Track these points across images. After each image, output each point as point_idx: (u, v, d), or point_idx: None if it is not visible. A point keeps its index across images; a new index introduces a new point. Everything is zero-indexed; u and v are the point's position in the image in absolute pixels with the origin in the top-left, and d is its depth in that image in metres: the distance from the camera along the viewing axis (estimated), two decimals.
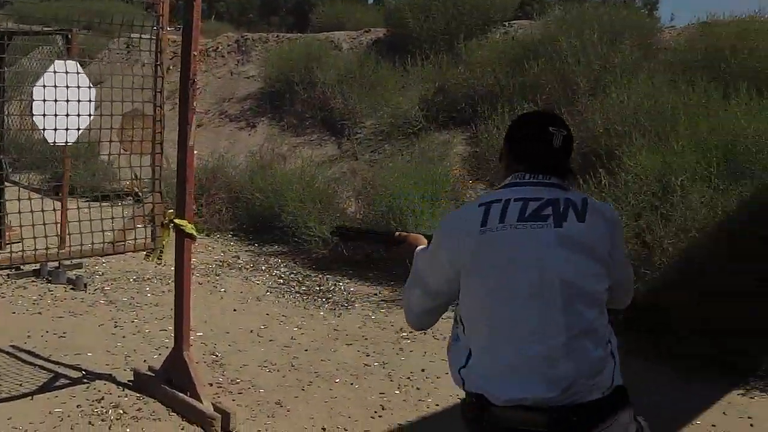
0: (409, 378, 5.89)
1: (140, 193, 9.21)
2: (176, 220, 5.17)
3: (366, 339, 6.70)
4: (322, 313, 7.37)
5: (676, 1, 62.36)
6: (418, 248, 3.06)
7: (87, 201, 6.64)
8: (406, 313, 3.02)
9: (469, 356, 2.65)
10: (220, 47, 16.26)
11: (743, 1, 10.60)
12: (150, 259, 5.47)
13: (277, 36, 16.14)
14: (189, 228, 5.15)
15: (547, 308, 2.57)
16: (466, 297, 2.70)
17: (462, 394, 2.68)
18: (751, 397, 5.56)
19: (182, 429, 4.91)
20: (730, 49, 8.72)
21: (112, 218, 5.50)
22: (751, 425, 5.15)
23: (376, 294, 7.97)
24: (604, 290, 2.67)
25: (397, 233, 3.38)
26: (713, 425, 5.15)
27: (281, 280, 8.39)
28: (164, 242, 5.31)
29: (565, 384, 2.53)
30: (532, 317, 2.58)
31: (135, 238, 5.61)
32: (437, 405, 5.46)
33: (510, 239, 2.64)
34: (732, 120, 7.33)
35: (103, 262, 8.43)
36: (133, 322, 6.87)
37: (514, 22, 12.92)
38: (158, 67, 5.60)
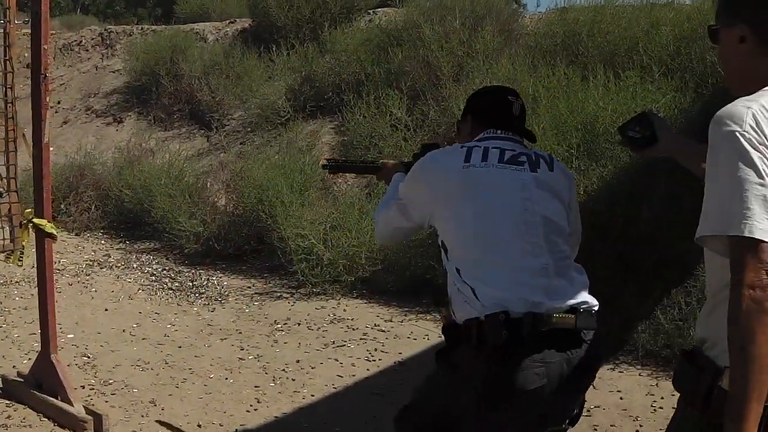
0: (284, 370, 5.93)
1: (1, 193, 9.01)
2: (35, 220, 5.07)
3: (240, 333, 6.71)
4: (195, 309, 7.35)
5: None
6: (396, 174, 3.43)
7: None
8: (377, 229, 3.38)
9: (473, 290, 2.78)
10: (84, 41, 15.94)
11: None
12: (10, 260, 5.37)
13: (142, 28, 15.90)
14: (48, 227, 5.06)
15: (532, 236, 2.85)
16: (451, 222, 2.94)
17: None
18: (620, 372, 5.72)
19: None
20: (587, 33, 8.95)
21: None
22: (621, 398, 5.32)
23: (249, 287, 7.98)
24: (574, 231, 3.08)
25: (381, 162, 3.85)
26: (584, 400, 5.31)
27: (153, 277, 8.33)
28: (24, 243, 5.21)
29: (565, 295, 2.79)
30: (521, 241, 2.84)
31: None
32: (312, 396, 5.51)
33: (493, 176, 2.93)
34: (590, 102, 7.54)
35: None
36: (0, 327, 6.74)
37: (379, 9, 12.99)
38: (7, 62, 5.48)
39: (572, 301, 2.78)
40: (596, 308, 2.85)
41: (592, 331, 2.82)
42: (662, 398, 5.33)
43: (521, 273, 2.79)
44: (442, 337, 2.97)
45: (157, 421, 5.09)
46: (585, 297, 2.84)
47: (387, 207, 3.25)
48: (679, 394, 2.25)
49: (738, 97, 2.08)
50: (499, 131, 3.09)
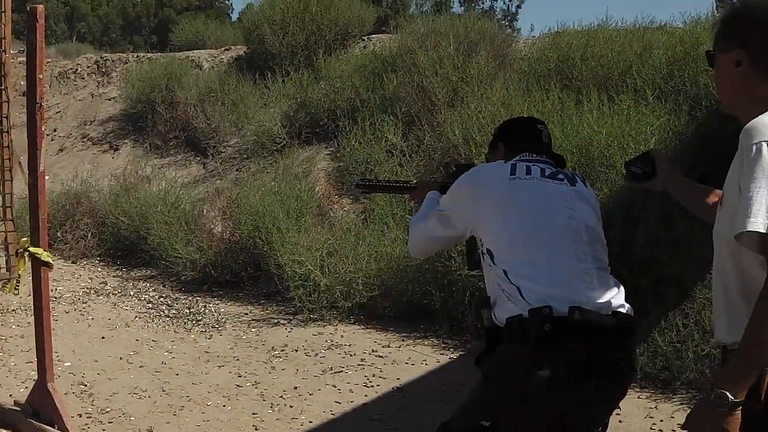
0: (282, 397, 5.91)
1: None
2: (31, 248, 5.06)
3: (238, 360, 6.69)
4: (192, 336, 7.33)
5: (534, 12, 63.88)
6: (430, 191, 3.52)
7: None
8: (412, 239, 3.43)
9: (519, 289, 2.85)
10: (80, 69, 15.99)
11: (595, 11, 10.87)
12: (6, 289, 5.35)
13: (138, 56, 15.95)
14: (45, 256, 5.05)
15: (577, 243, 2.97)
16: (498, 227, 3.02)
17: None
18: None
19: None
20: (580, 57, 8.99)
21: None
22: (620, 421, 5.30)
23: (246, 314, 7.97)
24: (605, 242, 3.15)
25: (414, 182, 4.04)
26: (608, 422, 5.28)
27: (150, 305, 8.31)
28: (20, 271, 5.20)
29: (607, 298, 2.88)
30: (568, 245, 2.96)
31: None
32: (311, 422, 5.48)
33: (538, 187, 3.07)
34: (585, 125, 7.56)
35: None
36: None
37: (373, 36, 13.06)
38: (3, 92, 5.48)
39: (613, 305, 2.87)
40: (632, 318, 2.94)
41: (629, 338, 2.93)
42: (661, 421, 5.33)
43: (567, 274, 2.89)
44: (484, 340, 3.05)
45: None
46: (623, 302, 2.94)
47: (425, 219, 3.32)
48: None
49: (731, 115, 2.44)
50: (533, 155, 3.23)
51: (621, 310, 2.88)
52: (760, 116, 2.30)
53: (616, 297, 2.92)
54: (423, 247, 3.49)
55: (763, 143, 2.21)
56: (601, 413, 2.98)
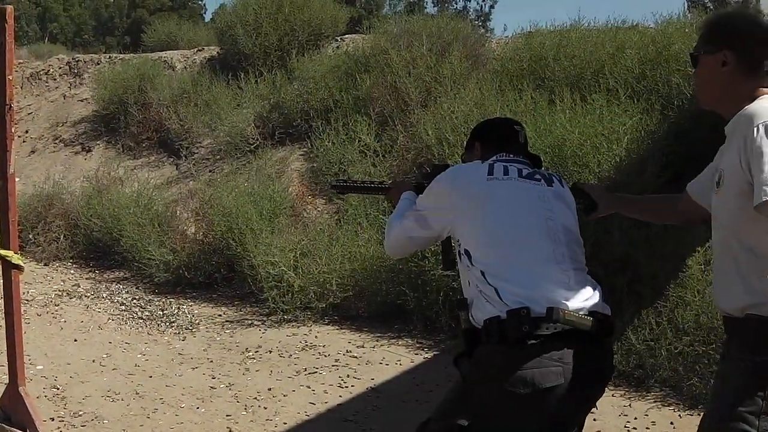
0: (255, 398, 5.89)
1: None
2: (1, 251, 5.01)
3: (212, 361, 6.66)
4: (166, 338, 7.30)
5: (507, 12, 64.17)
6: (406, 192, 3.49)
7: None
8: (388, 239, 3.39)
9: (497, 290, 2.85)
10: (52, 70, 15.87)
11: (568, 11, 10.90)
12: None
13: (110, 57, 15.86)
14: (15, 258, 4.99)
15: (554, 243, 2.98)
16: (475, 227, 3.01)
17: None
18: None
19: None
20: (553, 57, 9.01)
21: None
22: (594, 419, 5.32)
23: (220, 315, 7.94)
24: (582, 245, 3.15)
25: (388, 182, 4.01)
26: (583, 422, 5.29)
27: (123, 307, 8.27)
28: None
29: (585, 299, 2.90)
30: (545, 246, 2.96)
31: None
32: (285, 423, 5.47)
33: (516, 187, 3.08)
34: (558, 125, 7.58)
35: None
36: None
37: (346, 36, 13.05)
38: None
39: (590, 306, 2.88)
40: (611, 317, 2.95)
41: (607, 338, 2.93)
42: (635, 419, 5.35)
43: (545, 275, 2.89)
44: (463, 341, 3.03)
45: None
46: (601, 304, 2.95)
47: (401, 218, 3.31)
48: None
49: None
50: (510, 155, 3.24)
51: (599, 310, 2.89)
52: (754, 103, 2.62)
53: (593, 297, 2.93)
54: (399, 248, 3.45)
55: (764, 124, 2.50)
56: (579, 412, 2.99)
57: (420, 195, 3.31)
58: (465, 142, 3.59)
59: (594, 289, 2.97)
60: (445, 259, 3.44)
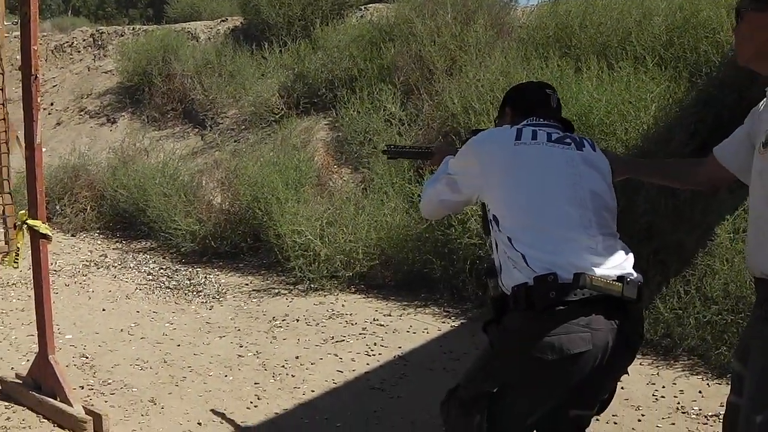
0: (283, 366, 5.90)
1: None
2: (29, 221, 5.04)
3: (239, 330, 6.69)
4: (193, 307, 7.33)
5: None
6: (447, 156, 3.40)
7: None
8: (423, 202, 3.43)
9: (524, 256, 2.85)
10: (75, 42, 15.93)
11: None
12: (6, 262, 5.33)
13: (133, 29, 15.88)
14: (43, 228, 5.03)
15: (581, 209, 2.95)
16: (503, 193, 3.01)
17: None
18: None
19: None
20: (579, 25, 8.93)
21: None
22: (622, 388, 5.28)
23: (247, 284, 7.96)
24: (614, 208, 3.12)
25: (433, 147, 3.95)
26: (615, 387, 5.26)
27: (150, 276, 8.31)
28: (19, 244, 5.17)
29: (613, 265, 2.88)
30: (571, 212, 2.93)
31: None
32: (312, 391, 5.48)
33: (543, 152, 3.05)
34: (584, 93, 7.53)
35: None
36: None
37: (370, 5, 12.98)
38: None
39: (619, 272, 2.85)
40: (641, 282, 2.91)
41: (637, 305, 2.90)
42: (663, 387, 5.33)
43: (572, 241, 2.88)
44: (491, 308, 3.06)
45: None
46: (631, 270, 2.93)
47: (436, 181, 3.31)
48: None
49: (756, 72, 2.75)
50: (541, 119, 3.21)
51: (627, 276, 2.86)
52: None
53: (623, 263, 2.91)
54: (432, 210, 3.46)
55: None
56: (609, 379, 2.98)
57: (452, 159, 3.31)
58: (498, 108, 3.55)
59: (624, 255, 2.96)
60: (486, 223, 3.44)
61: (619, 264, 2.90)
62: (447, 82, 9.25)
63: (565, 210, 2.94)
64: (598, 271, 2.80)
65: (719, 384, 5.37)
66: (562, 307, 2.75)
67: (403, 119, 9.21)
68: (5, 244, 5.38)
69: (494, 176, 3.04)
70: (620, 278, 2.82)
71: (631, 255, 3.00)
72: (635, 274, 2.92)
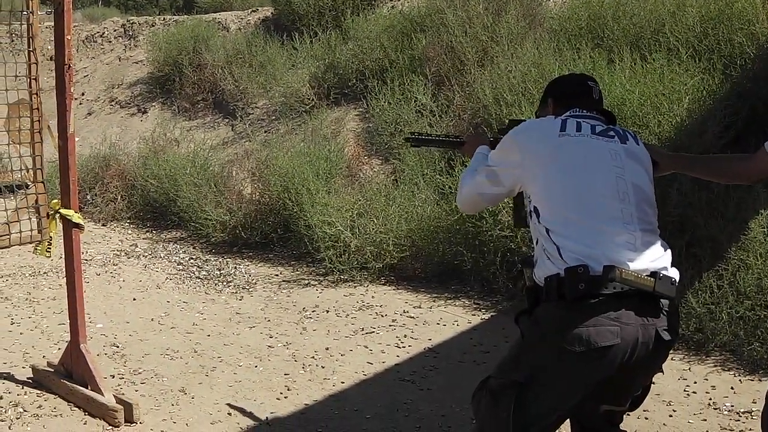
0: (313, 357, 5.91)
1: (27, 184, 9.04)
2: (62, 210, 5.06)
3: (269, 321, 6.69)
4: (223, 298, 7.35)
5: None
6: (480, 146, 3.46)
7: None
8: (461, 195, 3.37)
9: (559, 248, 2.86)
10: (107, 33, 15.99)
11: None
12: (38, 251, 5.35)
13: (164, 19, 15.93)
14: (76, 217, 5.05)
15: (623, 203, 2.95)
16: (544, 184, 3.00)
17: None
18: None
19: (85, 423, 4.85)
20: (612, 16, 8.86)
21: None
22: (653, 383, 5.28)
23: (277, 275, 7.97)
24: (655, 204, 3.11)
25: (464, 136, 3.87)
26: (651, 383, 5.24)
27: (181, 266, 8.33)
28: (51, 233, 5.19)
29: (648, 259, 2.87)
30: (611, 205, 2.93)
31: (20, 231, 5.49)
32: (342, 383, 5.48)
33: (587, 144, 3.05)
34: (617, 85, 7.48)
35: None
36: (30, 317, 6.75)
37: None
38: (31, 53, 5.46)
39: (654, 266, 2.84)
40: (677, 279, 2.90)
41: (671, 302, 2.88)
42: (695, 383, 5.30)
43: (610, 235, 2.87)
44: (526, 299, 3.06)
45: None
46: (667, 265, 2.93)
47: (474, 174, 3.27)
48: None
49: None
50: (584, 110, 3.21)
51: (663, 272, 2.84)
52: None
53: (659, 259, 2.89)
54: (471, 204, 3.40)
55: None
56: (639, 377, 2.96)
57: (492, 150, 3.29)
58: (540, 98, 3.54)
59: (663, 251, 2.94)
60: (517, 215, 3.42)
61: (656, 259, 2.88)
62: (478, 73, 9.20)
63: (607, 203, 2.93)
64: (633, 266, 2.78)
65: (751, 380, 5.33)
66: (592, 300, 2.75)
67: (434, 110, 9.18)
68: (38, 233, 5.38)
69: (537, 168, 3.03)
70: (653, 274, 2.81)
71: (669, 252, 2.97)
72: (670, 270, 2.89)
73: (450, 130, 8.74)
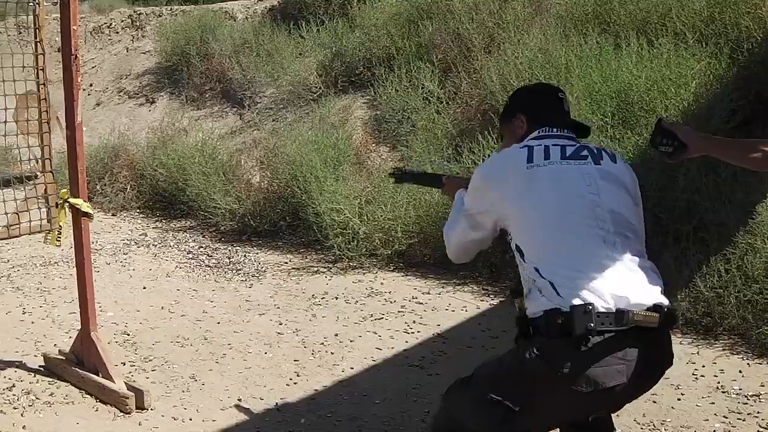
0: (322, 344, 5.94)
1: (38, 175, 9.08)
2: (71, 200, 5.09)
3: (278, 308, 6.73)
4: (233, 285, 7.37)
5: None
6: (460, 190, 3.27)
7: None
8: (450, 247, 3.21)
9: (553, 284, 2.73)
10: (114, 23, 16.00)
11: None
12: (48, 241, 5.39)
13: (171, 9, 15.92)
14: (84, 206, 5.07)
15: (605, 231, 2.81)
16: (522, 222, 2.88)
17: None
18: None
19: (96, 410, 4.89)
20: (618, 1, 8.84)
21: (4, 201, 5.43)
22: None
23: (286, 263, 8.00)
24: (640, 226, 2.97)
25: (445, 177, 3.70)
26: None
27: (190, 255, 8.35)
28: (61, 223, 5.23)
29: (648, 292, 2.76)
30: (594, 236, 2.80)
31: (30, 221, 5.54)
32: (351, 368, 5.52)
33: (558, 172, 2.90)
34: (624, 70, 7.48)
35: (9, 249, 8.30)
36: (41, 307, 6.80)
37: None
38: (38, 44, 5.49)
39: (653, 299, 2.75)
40: (673, 309, 2.86)
41: (670, 328, 2.83)
42: (703, 366, 5.32)
43: (598, 266, 2.75)
44: (517, 326, 2.90)
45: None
46: (661, 290, 2.82)
47: (455, 223, 3.15)
48: None
49: None
50: (554, 129, 3.08)
51: (662, 303, 2.76)
52: None
53: (654, 288, 2.81)
54: (463, 253, 3.23)
55: None
56: (631, 399, 2.91)
57: (465, 195, 3.15)
58: (501, 111, 3.35)
59: (655, 278, 2.84)
60: (503, 242, 3.19)
61: (650, 290, 2.79)
62: (485, 60, 9.20)
63: (586, 233, 2.81)
64: (632, 299, 2.69)
65: (760, 363, 5.35)
66: (599, 339, 2.65)
67: (441, 97, 9.19)
68: (48, 222, 5.42)
69: (510, 206, 2.92)
70: (657, 308, 2.73)
71: (659, 277, 2.88)
72: (667, 301, 2.80)
73: (457, 117, 8.76)
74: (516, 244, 2.90)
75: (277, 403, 5.01)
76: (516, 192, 2.89)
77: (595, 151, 3.02)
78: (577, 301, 2.65)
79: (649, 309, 2.70)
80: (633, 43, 7.86)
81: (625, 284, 2.72)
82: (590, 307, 2.63)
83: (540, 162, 2.91)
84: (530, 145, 2.99)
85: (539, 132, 3.08)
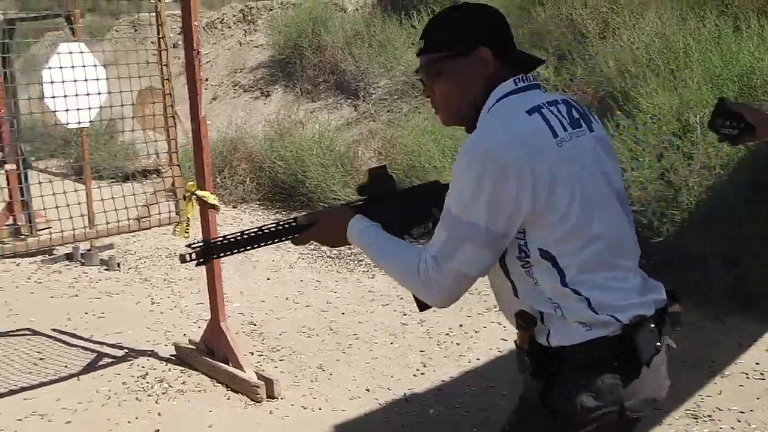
0: (447, 334, 5.96)
1: (160, 169, 9.28)
2: (198, 192, 5.20)
3: (401, 299, 6.74)
4: (355, 276, 7.44)
5: None
6: (353, 220, 2.41)
7: (110, 182, 6.70)
8: (440, 291, 2.21)
9: (589, 301, 2.10)
10: (226, 18, 16.24)
11: None
12: (177, 233, 5.51)
13: (282, 3, 16.07)
14: (211, 198, 5.19)
15: (627, 222, 2.25)
16: (556, 218, 2.07)
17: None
18: None
19: (228, 399, 5.01)
20: None
21: (134, 195, 5.59)
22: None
23: None
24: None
25: (297, 218, 2.52)
26: (757, 363, 5.17)
27: (312, 246, 8.42)
28: (188, 215, 5.34)
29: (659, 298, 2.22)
30: (621, 231, 2.20)
31: (159, 213, 5.68)
32: (478, 359, 5.53)
33: (573, 150, 2.12)
34: (745, 53, 7.30)
35: (135, 241, 8.52)
36: (169, 297, 6.97)
37: None
38: (161, 41, 5.62)
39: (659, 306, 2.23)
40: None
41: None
42: None
43: (634, 273, 2.23)
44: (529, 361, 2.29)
45: None
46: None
47: (450, 258, 2.17)
48: None
49: None
50: (529, 77, 2.26)
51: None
52: None
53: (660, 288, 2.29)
54: (457, 293, 2.24)
55: None
56: None
57: (454, 206, 2.16)
58: (435, 41, 2.34)
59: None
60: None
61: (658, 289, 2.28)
62: (600, 46, 9.08)
63: (619, 232, 2.20)
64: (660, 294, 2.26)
65: None
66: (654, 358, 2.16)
67: (557, 85, 9.09)
68: (176, 214, 5.55)
69: (545, 198, 2.07)
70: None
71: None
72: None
73: None
74: (539, 248, 2.12)
75: (405, 394, 5.04)
76: (551, 181, 2.06)
77: (581, 111, 2.26)
78: (625, 320, 2.11)
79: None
80: (753, 25, 7.65)
81: (651, 291, 2.24)
82: (651, 324, 2.15)
83: (561, 132, 2.13)
84: (541, 112, 2.14)
85: (516, 82, 2.22)
